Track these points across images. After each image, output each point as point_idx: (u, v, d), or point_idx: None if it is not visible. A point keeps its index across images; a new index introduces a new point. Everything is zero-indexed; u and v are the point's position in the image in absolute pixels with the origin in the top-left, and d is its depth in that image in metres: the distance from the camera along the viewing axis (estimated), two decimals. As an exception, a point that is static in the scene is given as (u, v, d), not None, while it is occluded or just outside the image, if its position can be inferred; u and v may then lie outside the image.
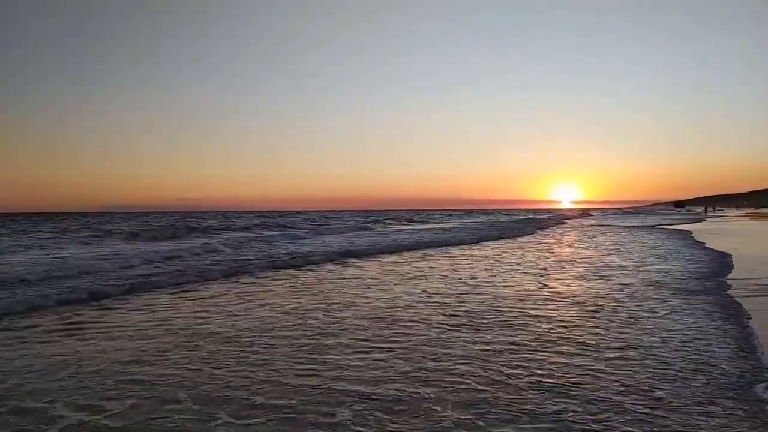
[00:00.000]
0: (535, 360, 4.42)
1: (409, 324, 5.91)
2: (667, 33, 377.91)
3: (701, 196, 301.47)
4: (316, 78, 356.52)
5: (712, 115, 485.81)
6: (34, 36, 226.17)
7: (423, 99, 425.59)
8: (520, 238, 22.92)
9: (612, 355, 4.50)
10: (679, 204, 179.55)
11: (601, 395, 3.59)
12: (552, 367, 4.22)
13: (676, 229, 28.18)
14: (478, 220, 53.43)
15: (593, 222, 45.17)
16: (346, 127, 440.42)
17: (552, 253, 15.07)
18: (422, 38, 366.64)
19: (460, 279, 9.64)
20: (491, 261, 12.97)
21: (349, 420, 3.27)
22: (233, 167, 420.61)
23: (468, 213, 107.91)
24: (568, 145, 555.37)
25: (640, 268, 10.56)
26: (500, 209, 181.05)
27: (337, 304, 7.30)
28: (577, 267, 11.17)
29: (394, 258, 14.27)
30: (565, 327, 5.59)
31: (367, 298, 7.75)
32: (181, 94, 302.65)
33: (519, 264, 12.05)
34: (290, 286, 9.17)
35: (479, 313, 6.45)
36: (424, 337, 5.27)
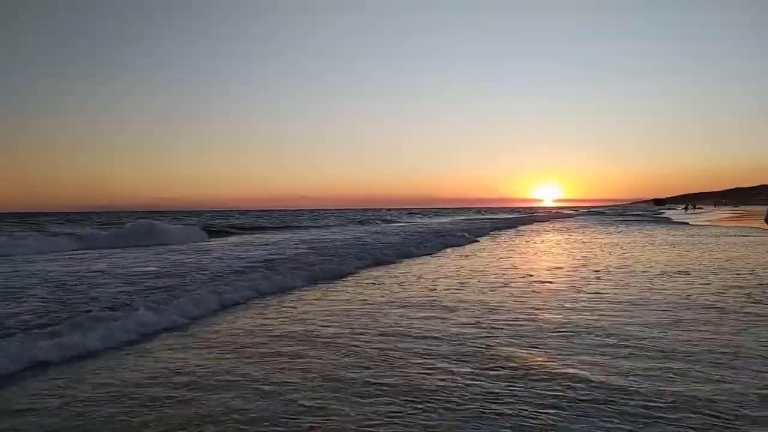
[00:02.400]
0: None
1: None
2: (662, 34, 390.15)
3: (680, 194, 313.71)
4: (311, 78, 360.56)
5: (688, 116, 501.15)
6: (34, 36, 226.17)
7: (403, 101, 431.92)
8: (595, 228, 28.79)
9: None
10: (659, 202, 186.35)
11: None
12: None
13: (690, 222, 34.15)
14: (484, 216, 58.68)
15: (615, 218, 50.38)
16: (330, 129, 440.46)
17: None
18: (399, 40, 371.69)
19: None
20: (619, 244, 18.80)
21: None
22: (202, 167, 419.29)
23: (485, 210, 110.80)
24: (545, 147, 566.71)
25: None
26: (490, 207, 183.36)
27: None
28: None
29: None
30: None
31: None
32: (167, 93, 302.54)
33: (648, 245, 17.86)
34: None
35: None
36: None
